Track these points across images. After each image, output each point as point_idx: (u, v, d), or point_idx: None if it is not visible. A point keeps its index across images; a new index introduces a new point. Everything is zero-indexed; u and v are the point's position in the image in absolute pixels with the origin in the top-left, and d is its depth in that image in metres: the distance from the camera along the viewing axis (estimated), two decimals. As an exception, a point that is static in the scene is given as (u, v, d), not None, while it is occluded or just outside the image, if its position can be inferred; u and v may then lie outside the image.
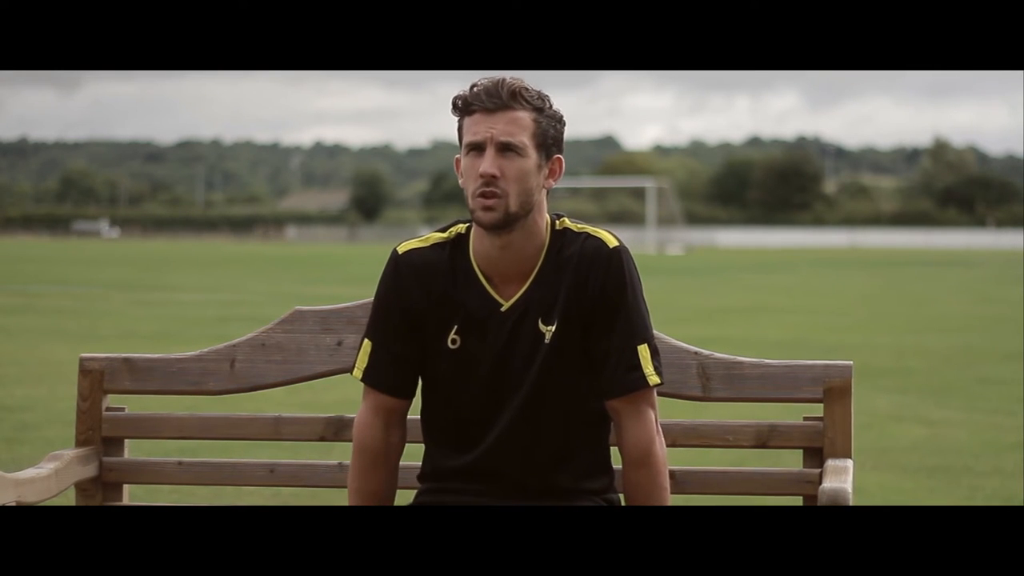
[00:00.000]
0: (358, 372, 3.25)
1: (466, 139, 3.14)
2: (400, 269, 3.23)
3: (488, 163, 3.10)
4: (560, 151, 3.20)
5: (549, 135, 3.16)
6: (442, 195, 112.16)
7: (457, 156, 3.20)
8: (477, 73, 3.23)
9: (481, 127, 3.12)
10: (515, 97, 3.12)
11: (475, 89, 3.13)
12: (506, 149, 3.11)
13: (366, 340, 3.26)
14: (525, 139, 3.12)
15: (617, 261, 3.18)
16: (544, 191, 3.18)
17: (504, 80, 3.13)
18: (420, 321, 3.21)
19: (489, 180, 3.10)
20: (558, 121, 3.18)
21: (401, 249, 3.26)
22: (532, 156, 3.13)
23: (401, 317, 3.22)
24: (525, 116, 3.13)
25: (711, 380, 3.46)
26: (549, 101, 3.17)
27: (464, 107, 3.15)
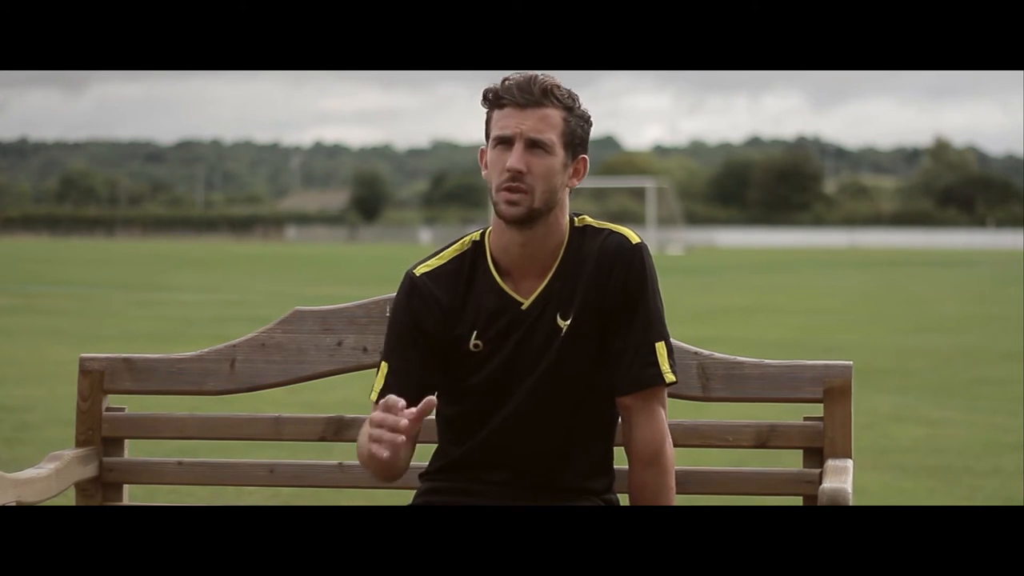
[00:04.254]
0: (374, 395, 3.19)
1: (494, 132, 3.14)
2: (414, 292, 3.22)
3: (516, 158, 3.10)
4: (585, 151, 3.21)
5: (577, 135, 3.17)
6: (442, 195, 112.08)
7: (482, 148, 3.20)
8: (477, 73, 3.23)
9: (511, 121, 3.12)
10: (547, 94, 3.12)
11: (507, 83, 3.13)
12: (534, 146, 3.11)
13: (383, 362, 3.23)
14: (554, 137, 3.13)
15: (640, 258, 3.20)
16: (567, 190, 3.19)
17: (536, 76, 3.13)
18: (437, 340, 3.19)
19: (515, 175, 3.11)
20: (586, 121, 3.19)
21: (417, 272, 3.24)
22: (559, 154, 3.14)
23: (416, 339, 3.20)
24: (555, 114, 3.13)
25: (711, 380, 3.46)
26: (579, 101, 3.18)
27: (495, 100, 3.15)
